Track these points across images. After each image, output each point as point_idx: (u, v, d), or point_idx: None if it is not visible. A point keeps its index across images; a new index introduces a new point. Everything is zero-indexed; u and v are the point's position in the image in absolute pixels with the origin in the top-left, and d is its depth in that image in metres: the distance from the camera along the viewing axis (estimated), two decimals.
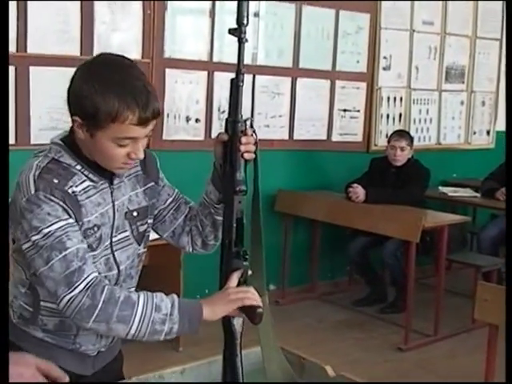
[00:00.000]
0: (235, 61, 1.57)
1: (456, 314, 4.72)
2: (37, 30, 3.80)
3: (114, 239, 1.66)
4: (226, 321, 1.57)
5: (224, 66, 4.39)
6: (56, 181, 1.54)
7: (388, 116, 5.57)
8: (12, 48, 3.67)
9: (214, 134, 4.50)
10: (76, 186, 1.57)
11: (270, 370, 1.65)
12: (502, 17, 6.14)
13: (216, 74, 4.52)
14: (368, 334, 4.56)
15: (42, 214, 1.51)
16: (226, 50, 4.46)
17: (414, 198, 4.75)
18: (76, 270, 1.50)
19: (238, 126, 1.59)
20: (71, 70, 1.58)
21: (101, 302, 1.48)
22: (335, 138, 5.29)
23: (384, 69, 5.48)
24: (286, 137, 5.03)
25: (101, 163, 1.60)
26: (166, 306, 1.51)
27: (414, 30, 5.62)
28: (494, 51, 6.23)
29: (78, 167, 1.59)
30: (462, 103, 6.13)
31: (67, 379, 1.47)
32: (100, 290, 1.49)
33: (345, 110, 5.31)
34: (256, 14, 4.66)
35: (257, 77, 4.71)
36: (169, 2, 4.28)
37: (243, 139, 1.59)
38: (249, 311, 1.53)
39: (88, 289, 1.49)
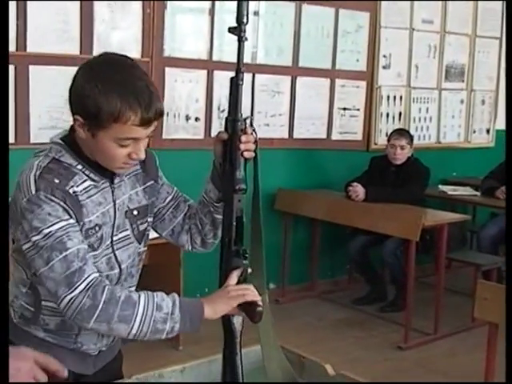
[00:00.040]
0: (235, 59, 1.57)
1: (456, 313, 4.72)
2: (36, 29, 3.80)
3: (114, 238, 1.66)
4: (226, 319, 1.57)
5: (224, 65, 4.39)
6: (57, 181, 1.54)
7: (388, 115, 5.57)
8: (12, 47, 3.66)
9: (213, 133, 4.50)
10: (77, 186, 1.57)
11: (270, 369, 1.65)
12: (502, 15, 6.13)
13: (216, 72, 4.52)
14: (368, 333, 4.56)
15: (43, 214, 1.50)
16: (226, 49, 4.46)
17: (414, 197, 4.74)
18: (76, 270, 1.50)
19: (238, 125, 1.59)
20: (71, 69, 1.58)
21: (102, 303, 1.48)
22: (335, 136, 5.29)
23: (384, 67, 5.48)
24: (286, 135, 5.02)
25: (101, 163, 1.59)
26: (167, 305, 1.51)
27: (413, 29, 5.61)
28: (494, 50, 6.23)
29: (79, 167, 1.59)
30: (461, 102, 6.12)
31: (66, 373, 1.47)
32: (101, 291, 1.49)
33: (345, 109, 5.31)
34: (256, 13, 4.66)
35: (256, 75, 4.69)
36: (168, 1, 4.28)
37: (243, 138, 1.59)
38: (249, 310, 1.53)
39: (89, 289, 1.49)
